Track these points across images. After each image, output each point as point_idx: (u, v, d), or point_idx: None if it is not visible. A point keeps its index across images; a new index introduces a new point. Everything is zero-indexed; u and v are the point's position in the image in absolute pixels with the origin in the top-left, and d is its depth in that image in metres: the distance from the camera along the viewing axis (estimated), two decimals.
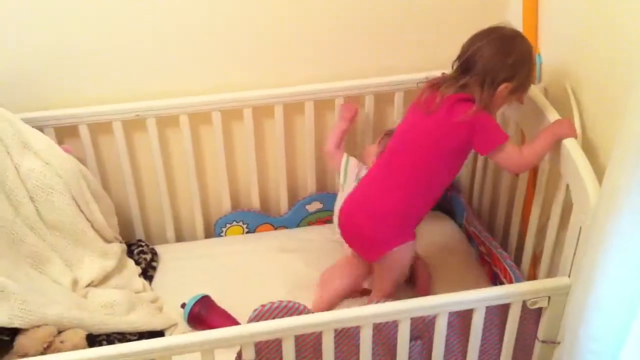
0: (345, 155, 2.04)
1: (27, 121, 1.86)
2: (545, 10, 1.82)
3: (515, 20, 1.92)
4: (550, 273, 1.74)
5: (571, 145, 1.57)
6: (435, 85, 1.68)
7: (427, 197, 1.74)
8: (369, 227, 1.74)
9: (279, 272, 2.02)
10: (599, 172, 1.46)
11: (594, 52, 1.61)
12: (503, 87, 1.61)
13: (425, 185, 1.70)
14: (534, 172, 1.83)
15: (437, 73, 1.76)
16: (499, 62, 1.59)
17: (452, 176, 1.77)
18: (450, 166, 1.70)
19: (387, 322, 1.57)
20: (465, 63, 1.63)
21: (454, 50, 1.68)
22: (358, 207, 1.77)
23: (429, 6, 2.02)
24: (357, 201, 1.78)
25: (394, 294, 1.78)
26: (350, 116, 2.02)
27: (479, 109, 1.60)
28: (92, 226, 1.93)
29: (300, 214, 2.24)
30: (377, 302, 1.65)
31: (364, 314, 1.50)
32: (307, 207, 2.23)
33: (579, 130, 1.61)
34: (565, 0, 1.72)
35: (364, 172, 1.97)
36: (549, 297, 1.56)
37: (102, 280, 1.90)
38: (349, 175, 2.02)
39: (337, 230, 1.89)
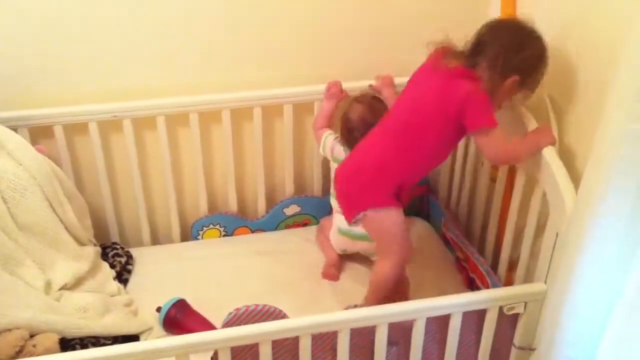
0: (326, 133, 2.03)
1: (1, 121, 1.83)
2: (524, 16, 1.83)
3: None
4: (527, 279, 1.75)
5: (548, 152, 1.58)
6: (443, 52, 1.65)
7: (414, 164, 1.68)
8: (351, 180, 1.73)
9: (256, 276, 2.01)
10: (576, 179, 1.48)
11: (570, 59, 1.62)
12: (512, 79, 1.58)
13: (414, 148, 1.65)
14: (511, 177, 1.84)
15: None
16: (514, 51, 1.57)
17: (444, 152, 1.73)
18: (442, 136, 1.65)
19: (364, 327, 1.56)
20: (480, 44, 1.60)
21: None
22: (350, 163, 1.77)
23: (408, 13, 2.03)
24: (352, 155, 1.79)
25: (393, 269, 1.75)
26: (337, 90, 2.02)
27: (482, 88, 1.57)
28: (66, 228, 1.90)
29: (278, 217, 2.23)
30: (362, 305, 1.66)
31: (341, 318, 1.51)
32: (285, 210, 2.22)
33: (556, 137, 1.62)
34: (541, 10, 1.73)
35: (337, 148, 1.98)
36: (525, 303, 1.57)
37: (76, 284, 1.87)
38: (326, 151, 2.02)
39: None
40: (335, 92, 2.02)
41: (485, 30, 1.63)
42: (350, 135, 1.94)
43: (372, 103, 1.96)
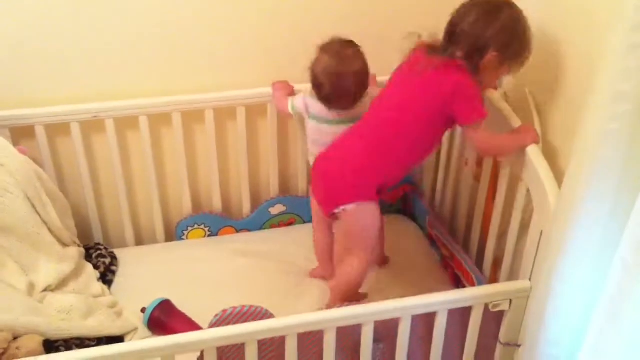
0: (291, 98, 1.93)
1: None
2: None
3: None
4: (512, 276, 1.76)
5: (532, 150, 1.59)
6: (423, 49, 1.64)
7: (399, 161, 1.67)
8: (332, 176, 1.70)
9: (242, 276, 2.01)
10: (560, 176, 1.48)
11: (553, 57, 1.63)
12: (490, 57, 1.55)
13: (399, 146, 1.64)
14: (495, 176, 1.84)
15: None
16: (482, 30, 1.54)
17: (429, 147, 1.71)
18: (429, 133, 1.65)
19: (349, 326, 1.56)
20: (452, 32, 1.58)
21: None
22: (330, 156, 1.73)
23: (392, 16, 2.03)
24: (331, 152, 1.73)
25: (361, 269, 1.75)
26: (282, 83, 1.98)
27: (466, 76, 1.55)
28: (49, 229, 1.88)
29: (263, 217, 2.22)
30: (339, 300, 1.66)
31: (327, 317, 1.51)
32: (270, 209, 2.22)
33: (539, 135, 1.63)
34: (525, 5, 1.74)
35: (312, 104, 1.85)
36: (510, 300, 1.58)
37: (59, 285, 1.86)
38: (300, 110, 1.90)
39: None
40: (281, 85, 1.97)
41: (455, 14, 1.60)
42: (320, 92, 1.78)
43: (340, 50, 1.75)
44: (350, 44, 1.77)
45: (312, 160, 1.91)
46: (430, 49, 1.62)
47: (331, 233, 1.96)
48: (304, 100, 1.88)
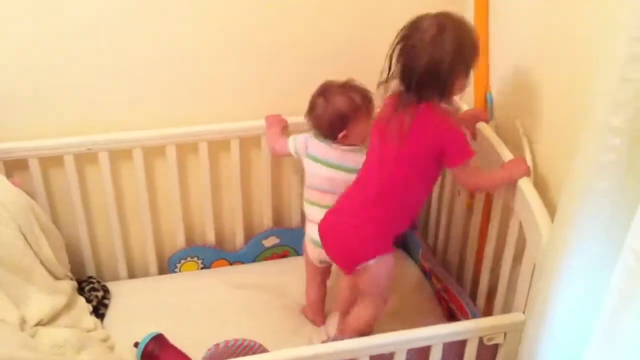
0: (291, 137, 1.93)
1: None
2: (496, 49, 1.86)
3: None
4: (506, 309, 1.75)
5: (523, 182, 1.59)
6: (393, 101, 1.63)
7: (403, 212, 1.69)
8: (348, 235, 1.69)
9: (235, 309, 2.00)
10: (551, 208, 1.49)
11: (543, 90, 1.65)
12: (459, 82, 1.56)
13: (401, 201, 1.65)
14: (487, 208, 1.85)
15: None
16: (440, 65, 1.51)
17: (429, 189, 1.75)
18: (426, 179, 1.68)
19: None
20: (410, 78, 1.55)
21: None
22: (340, 215, 1.72)
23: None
24: (338, 214, 1.73)
25: (377, 315, 1.76)
26: (275, 118, 2.00)
27: (444, 118, 1.57)
28: (42, 262, 1.87)
29: (257, 249, 2.22)
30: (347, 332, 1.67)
31: (320, 352, 1.49)
32: (264, 242, 2.21)
33: (530, 167, 1.64)
34: (514, 39, 1.76)
35: (312, 144, 1.87)
36: (505, 333, 1.57)
37: (52, 319, 1.84)
38: (299, 150, 1.90)
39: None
40: (274, 119, 1.99)
41: (405, 57, 1.55)
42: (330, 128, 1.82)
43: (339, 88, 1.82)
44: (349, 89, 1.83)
45: (306, 209, 1.91)
46: (399, 101, 1.61)
47: (323, 287, 2.00)
48: (305, 139, 1.89)
